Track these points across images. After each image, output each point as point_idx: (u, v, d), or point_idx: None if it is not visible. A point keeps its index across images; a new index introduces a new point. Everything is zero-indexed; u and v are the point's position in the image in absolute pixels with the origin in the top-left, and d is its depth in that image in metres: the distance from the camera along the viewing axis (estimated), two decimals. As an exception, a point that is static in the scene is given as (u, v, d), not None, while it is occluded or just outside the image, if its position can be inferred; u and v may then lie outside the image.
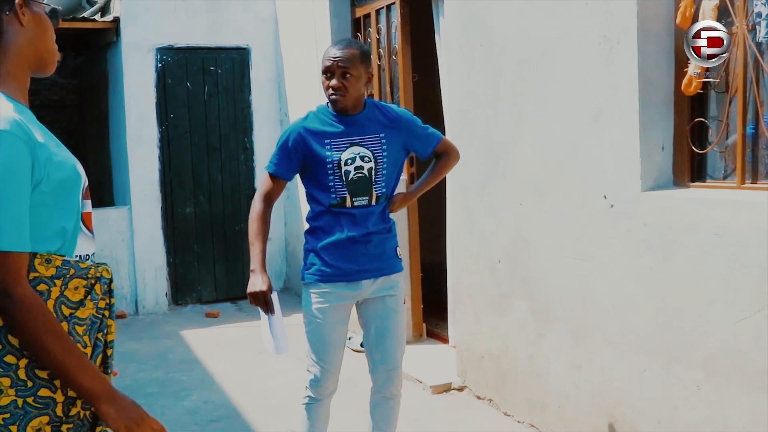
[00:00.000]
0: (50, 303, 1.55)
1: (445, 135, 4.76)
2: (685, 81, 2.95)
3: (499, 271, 3.99)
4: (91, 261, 1.70)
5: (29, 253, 1.52)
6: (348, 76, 2.85)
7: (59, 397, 1.55)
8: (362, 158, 2.89)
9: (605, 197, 3.22)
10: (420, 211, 5.34)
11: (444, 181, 4.78)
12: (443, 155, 3.15)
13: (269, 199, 2.94)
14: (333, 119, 2.92)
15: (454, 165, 3.22)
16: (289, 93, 6.99)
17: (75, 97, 10.18)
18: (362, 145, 2.90)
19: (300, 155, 2.91)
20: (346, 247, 2.91)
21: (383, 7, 5.50)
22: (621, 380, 3.21)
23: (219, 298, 7.11)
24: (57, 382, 1.55)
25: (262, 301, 2.76)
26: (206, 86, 7.04)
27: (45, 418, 1.54)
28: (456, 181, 4.39)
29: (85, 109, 9.26)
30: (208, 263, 7.13)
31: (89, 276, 1.62)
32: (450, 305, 4.92)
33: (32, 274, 1.54)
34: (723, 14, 2.89)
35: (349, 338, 4.86)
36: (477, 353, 4.24)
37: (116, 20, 6.86)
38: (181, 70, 6.97)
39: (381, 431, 3.08)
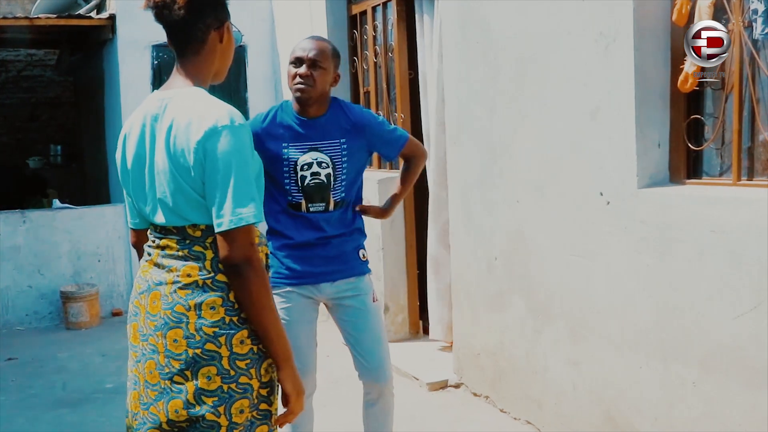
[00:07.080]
0: None
1: (439, 137, 4.80)
2: (681, 78, 2.95)
3: (496, 268, 3.99)
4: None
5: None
6: (317, 67, 2.82)
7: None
8: (319, 164, 2.85)
9: (601, 194, 3.22)
10: (415, 209, 5.33)
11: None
12: (411, 160, 3.13)
13: None
14: (294, 120, 2.89)
15: (423, 166, 3.19)
16: (285, 90, 6.99)
17: (71, 95, 10.16)
18: (321, 151, 2.87)
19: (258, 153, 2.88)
20: (300, 250, 2.89)
21: (379, 5, 5.49)
22: (618, 377, 3.22)
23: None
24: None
25: None
26: (202, 83, 7.03)
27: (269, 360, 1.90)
28: (454, 178, 4.38)
29: (81, 106, 9.25)
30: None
31: (264, 244, 1.99)
32: (431, 299, 4.91)
33: None
34: (719, 11, 2.89)
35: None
36: (474, 350, 4.25)
37: (112, 17, 6.84)
38: (178, 68, 6.96)
39: None
